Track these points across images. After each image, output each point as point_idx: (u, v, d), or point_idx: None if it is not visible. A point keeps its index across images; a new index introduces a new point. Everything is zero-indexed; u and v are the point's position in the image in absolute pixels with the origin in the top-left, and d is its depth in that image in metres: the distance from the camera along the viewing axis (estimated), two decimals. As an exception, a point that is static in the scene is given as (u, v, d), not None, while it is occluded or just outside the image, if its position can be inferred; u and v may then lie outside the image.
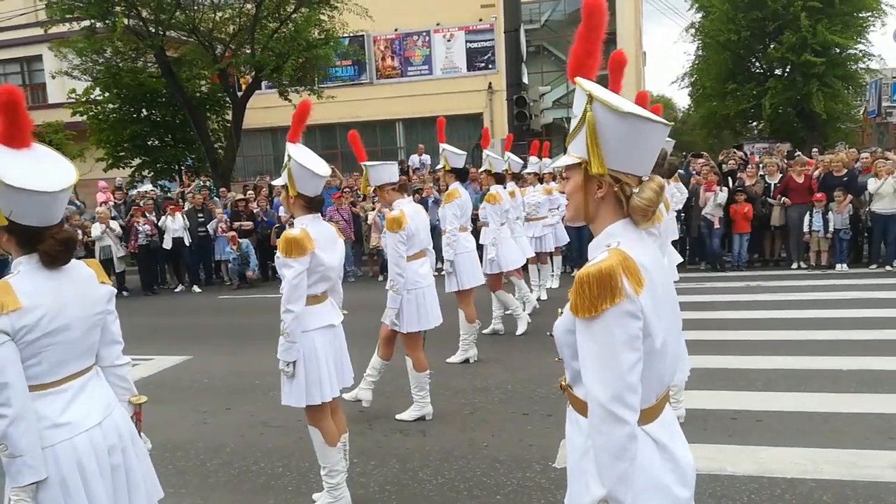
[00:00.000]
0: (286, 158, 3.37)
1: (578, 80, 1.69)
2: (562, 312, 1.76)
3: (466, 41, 24.78)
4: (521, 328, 7.39)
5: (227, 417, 5.42)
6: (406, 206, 4.89)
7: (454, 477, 4.08)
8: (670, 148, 4.91)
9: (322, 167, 3.44)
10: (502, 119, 21.11)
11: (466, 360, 6.39)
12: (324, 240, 3.44)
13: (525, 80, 14.55)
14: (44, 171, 2.08)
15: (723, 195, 10.78)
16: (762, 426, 4.58)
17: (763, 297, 8.73)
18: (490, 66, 24.44)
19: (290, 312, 3.30)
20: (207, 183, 16.23)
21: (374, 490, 3.98)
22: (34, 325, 2.05)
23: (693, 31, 24.80)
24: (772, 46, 21.81)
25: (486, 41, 24.55)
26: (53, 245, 2.10)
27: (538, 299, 9.08)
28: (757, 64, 23.73)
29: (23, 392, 2.03)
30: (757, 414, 4.78)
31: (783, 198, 10.82)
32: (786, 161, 12.35)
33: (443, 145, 6.18)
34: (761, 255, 11.61)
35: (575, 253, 11.31)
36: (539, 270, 9.27)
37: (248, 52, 16.89)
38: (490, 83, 24.14)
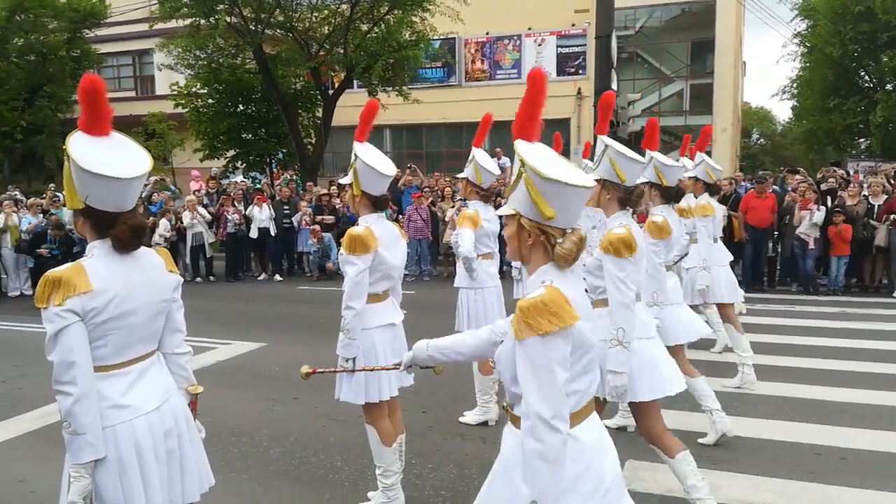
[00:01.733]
0: (353, 157, 3.39)
1: (516, 143, 2.02)
2: (502, 342, 2.03)
3: (557, 46, 24.49)
4: None
5: (293, 407, 5.53)
6: (480, 208, 4.86)
7: (511, 488, 3.99)
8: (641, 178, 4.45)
9: (388, 167, 3.44)
10: (589, 125, 20.72)
11: None
12: (387, 239, 3.44)
13: (614, 86, 14.19)
14: (120, 159, 2.13)
15: (819, 214, 10.15)
16: (846, 465, 4.26)
17: (859, 325, 8.15)
18: (580, 71, 24.06)
19: (351, 309, 3.31)
20: (295, 177, 16.74)
21: (428, 494, 3.95)
22: (103, 307, 2.11)
23: (796, 42, 23.64)
24: (885, 59, 20.47)
25: (577, 46, 24.18)
26: (125, 230, 2.16)
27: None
28: (866, 77, 22.35)
29: (88, 372, 2.10)
30: (842, 451, 4.46)
31: (893, 215, 10.05)
32: (892, 182, 11.51)
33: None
34: (860, 280, 10.87)
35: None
36: None
37: (340, 51, 17.32)
38: (579, 88, 23.76)
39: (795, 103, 27.28)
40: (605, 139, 3.35)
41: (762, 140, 48.74)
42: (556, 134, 7.03)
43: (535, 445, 1.82)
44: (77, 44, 24.24)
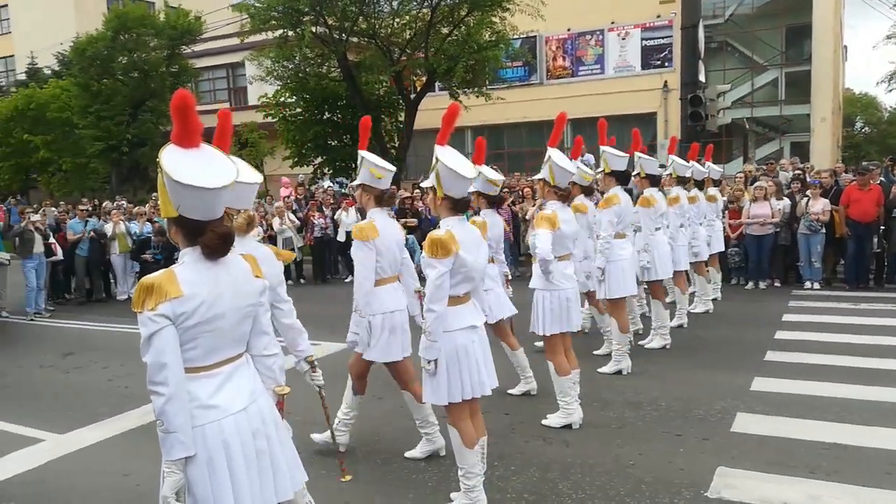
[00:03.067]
0: (434, 160, 3.44)
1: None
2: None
3: (642, 39, 23.86)
4: (655, 343, 7.00)
5: (378, 406, 5.63)
6: (558, 208, 4.82)
7: (594, 493, 3.93)
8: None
9: (468, 169, 3.47)
10: (677, 119, 20.09)
11: (619, 372, 6.15)
12: (468, 242, 3.47)
13: (702, 78, 13.71)
14: (208, 170, 2.25)
15: (932, 207, 9.45)
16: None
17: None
18: (666, 63, 23.34)
19: (432, 312, 3.36)
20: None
21: (511, 497, 3.94)
22: (192, 312, 2.24)
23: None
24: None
25: (663, 38, 23.48)
26: (213, 238, 2.27)
27: (706, 312, 8.58)
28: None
29: (179, 373, 2.23)
30: (958, 463, 4.13)
31: None
32: None
33: (603, 147, 5.98)
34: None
35: (752, 264, 10.46)
36: (696, 281, 8.69)
37: (421, 56, 17.53)
38: (665, 81, 23.06)
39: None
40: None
41: (867, 128, 45.72)
42: (635, 131, 6.84)
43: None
44: (175, 60, 25.65)
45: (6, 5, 36.85)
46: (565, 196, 4.90)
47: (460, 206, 3.53)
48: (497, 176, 5.19)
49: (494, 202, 5.25)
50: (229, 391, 2.34)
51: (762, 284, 10.33)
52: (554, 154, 4.78)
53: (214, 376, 2.33)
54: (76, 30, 27.14)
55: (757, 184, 10.69)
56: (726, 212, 10.73)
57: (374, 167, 4.21)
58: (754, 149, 23.75)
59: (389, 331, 4.23)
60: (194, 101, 2.28)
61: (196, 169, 2.22)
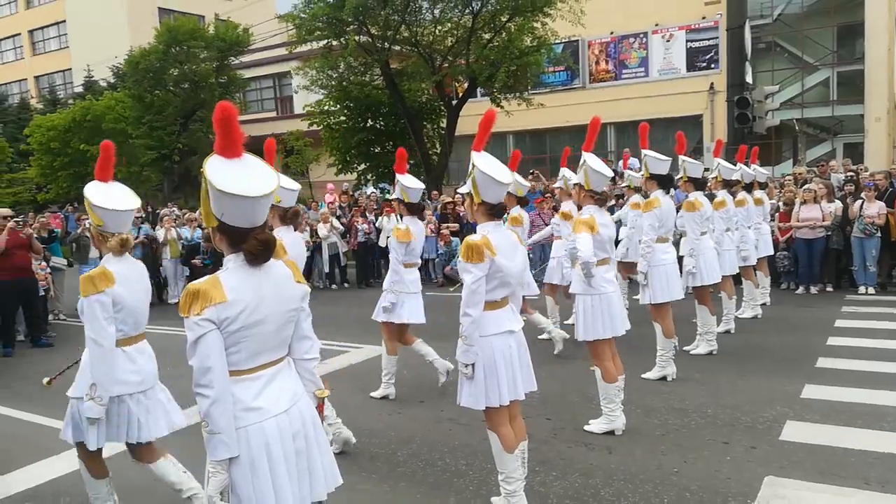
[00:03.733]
0: (470, 167, 3.47)
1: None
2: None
3: (687, 41, 23.48)
4: (701, 349, 6.89)
5: (419, 410, 5.69)
6: (595, 212, 4.80)
7: (637, 501, 3.88)
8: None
9: (504, 174, 3.49)
10: (723, 121, 19.70)
11: (664, 378, 6.06)
12: (505, 246, 3.48)
13: (749, 79, 13.45)
14: (250, 179, 2.29)
15: None
16: None
17: None
18: (713, 65, 22.92)
19: (469, 316, 3.39)
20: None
21: (552, 502, 3.92)
22: (235, 317, 2.30)
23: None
24: None
25: (709, 39, 23.07)
26: (255, 245, 2.32)
27: (755, 317, 8.40)
28: None
29: (223, 376, 2.29)
30: None
31: None
32: None
33: (644, 151, 5.92)
34: None
35: (802, 269, 10.17)
36: (744, 285, 8.52)
37: (463, 62, 17.61)
38: (712, 83, 22.64)
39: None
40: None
41: (926, 128, 43.97)
42: (679, 133, 6.74)
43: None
44: (224, 71, 26.32)
45: (64, 21, 38.41)
46: (602, 200, 4.87)
47: (497, 212, 3.56)
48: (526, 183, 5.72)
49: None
50: (271, 393, 2.40)
51: (813, 289, 10.04)
52: (589, 158, 4.76)
53: (257, 379, 2.39)
54: (130, 43, 28.11)
55: (806, 186, 10.41)
56: (776, 215, 10.47)
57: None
58: (805, 150, 23.10)
59: None
60: (236, 112, 2.33)
61: (238, 178, 2.27)
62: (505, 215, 3.91)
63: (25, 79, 41.46)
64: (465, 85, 19.03)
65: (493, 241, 3.43)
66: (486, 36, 17.74)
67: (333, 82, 19.46)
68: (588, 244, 4.61)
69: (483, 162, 3.45)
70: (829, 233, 9.95)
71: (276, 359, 2.47)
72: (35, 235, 9.84)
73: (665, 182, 5.99)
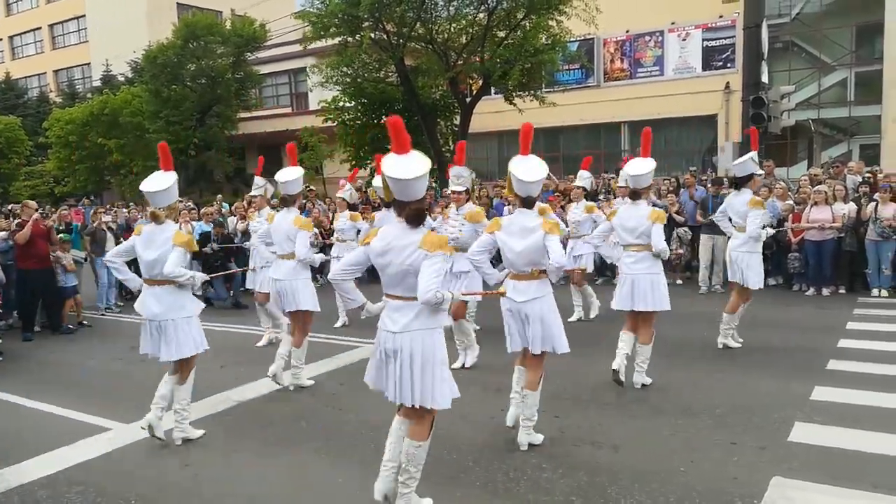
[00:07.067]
0: (509, 167, 4.45)
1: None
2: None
3: (703, 39, 23.32)
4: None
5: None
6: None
7: (643, 499, 3.90)
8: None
9: (528, 174, 4.38)
10: (738, 121, 19.58)
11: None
12: (512, 228, 4.44)
13: (765, 79, 13.36)
14: (410, 167, 3.35)
15: None
16: None
17: None
18: (729, 64, 22.75)
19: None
20: (433, 184, 17.22)
21: (558, 499, 3.95)
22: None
23: None
24: None
25: (725, 38, 22.90)
26: (410, 213, 3.45)
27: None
28: None
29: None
30: None
31: None
32: None
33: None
34: None
35: (812, 270, 10.11)
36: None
37: (477, 59, 17.61)
38: (727, 83, 22.48)
39: None
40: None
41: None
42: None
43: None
44: (241, 66, 26.49)
45: (83, 16, 38.79)
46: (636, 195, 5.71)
47: (527, 203, 4.49)
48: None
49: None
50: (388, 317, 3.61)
51: (825, 291, 9.98)
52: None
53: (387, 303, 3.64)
54: (148, 38, 28.36)
55: (817, 187, 10.33)
56: (790, 215, 10.41)
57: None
58: (820, 151, 22.91)
59: None
60: (402, 122, 3.46)
61: (403, 167, 3.36)
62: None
63: (45, 72, 41.95)
64: (479, 82, 19.02)
65: (504, 223, 4.56)
66: (501, 34, 17.72)
67: (348, 79, 19.53)
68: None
69: (515, 165, 4.41)
70: (842, 234, 9.88)
71: (401, 295, 3.57)
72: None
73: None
